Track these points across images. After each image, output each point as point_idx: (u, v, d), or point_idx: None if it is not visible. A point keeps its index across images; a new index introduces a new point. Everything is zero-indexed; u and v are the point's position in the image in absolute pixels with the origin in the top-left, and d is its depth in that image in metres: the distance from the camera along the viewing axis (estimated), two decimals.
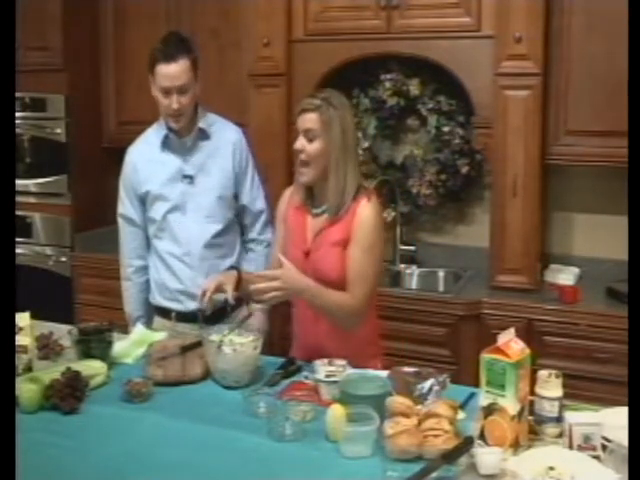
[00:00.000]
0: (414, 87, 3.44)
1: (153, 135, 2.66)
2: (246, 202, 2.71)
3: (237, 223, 2.75)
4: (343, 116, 2.19)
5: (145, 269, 2.73)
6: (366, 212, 2.19)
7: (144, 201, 2.66)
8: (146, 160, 2.64)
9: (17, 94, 3.70)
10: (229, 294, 2.35)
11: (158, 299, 2.71)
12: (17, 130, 3.85)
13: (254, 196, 2.73)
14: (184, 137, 2.61)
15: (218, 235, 2.64)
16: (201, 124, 2.62)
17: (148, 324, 2.72)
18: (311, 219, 2.29)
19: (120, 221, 2.75)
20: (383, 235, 2.27)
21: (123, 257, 2.77)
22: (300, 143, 2.20)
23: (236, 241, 2.73)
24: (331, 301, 2.17)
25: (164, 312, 2.71)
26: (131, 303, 2.76)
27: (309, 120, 2.18)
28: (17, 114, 3.83)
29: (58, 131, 3.85)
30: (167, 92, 2.48)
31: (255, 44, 3.44)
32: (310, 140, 2.19)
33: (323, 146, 2.18)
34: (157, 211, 2.63)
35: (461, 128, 3.43)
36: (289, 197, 2.39)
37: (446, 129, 3.45)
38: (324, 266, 2.21)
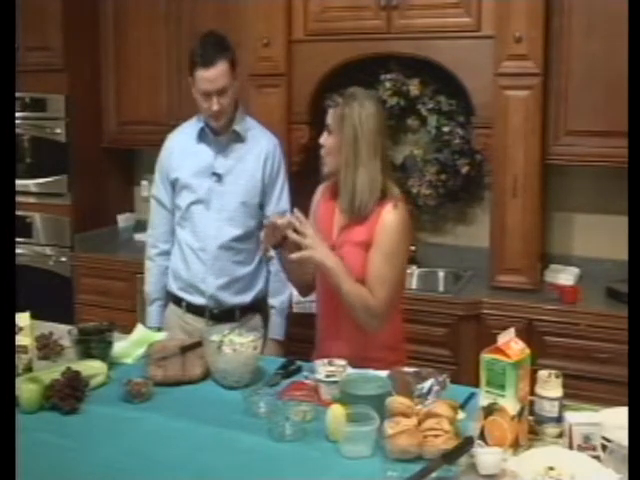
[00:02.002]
0: (414, 87, 3.44)
1: (191, 127, 2.69)
2: (270, 214, 2.63)
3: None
4: (360, 116, 2.17)
5: (169, 254, 2.75)
6: (390, 217, 2.18)
7: (174, 187, 2.69)
8: (182, 148, 2.68)
9: (17, 94, 3.70)
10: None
11: (172, 287, 2.73)
12: (17, 130, 3.85)
13: (280, 210, 2.65)
14: (219, 135, 2.63)
15: (236, 240, 2.63)
16: (237, 126, 2.63)
17: (165, 308, 2.75)
18: (338, 214, 2.29)
19: (152, 202, 2.78)
20: (408, 242, 2.27)
21: (150, 237, 2.80)
22: (322, 137, 2.26)
23: (256, 251, 2.70)
24: (355, 291, 2.15)
25: (177, 300, 2.72)
26: (150, 284, 2.79)
27: (329, 115, 2.24)
28: (17, 114, 3.83)
29: (58, 131, 3.85)
30: (207, 95, 2.52)
31: (255, 44, 3.44)
32: (329, 134, 2.23)
33: (337, 141, 2.20)
34: (183, 200, 2.66)
35: (461, 128, 3.43)
36: (322, 190, 2.40)
37: (446, 129, 3.45)
38: (345, 263, 2.20)
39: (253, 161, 2.64)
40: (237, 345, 2.12)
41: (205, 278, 2.63)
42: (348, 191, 2.20)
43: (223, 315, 2.64)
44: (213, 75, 2.49)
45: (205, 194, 2.61)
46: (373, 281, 2.17)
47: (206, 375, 2.15)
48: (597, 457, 1.65)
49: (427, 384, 1.88)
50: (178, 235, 2.70)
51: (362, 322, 2.19)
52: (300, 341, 2.69)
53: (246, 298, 2.69)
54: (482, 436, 1.71)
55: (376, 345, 2.24)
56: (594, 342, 2.89)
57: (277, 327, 2.74)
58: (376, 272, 2.17)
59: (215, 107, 2.52)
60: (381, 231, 2.18)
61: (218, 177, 2.61)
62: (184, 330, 2.64)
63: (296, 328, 3.00)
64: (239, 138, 2.64)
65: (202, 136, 2.65)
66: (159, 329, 2.64)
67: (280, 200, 2.70)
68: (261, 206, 2.68)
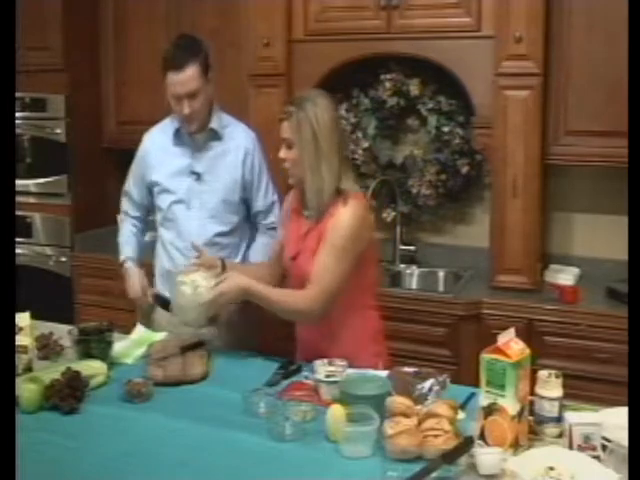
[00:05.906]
0: (414, 87, 3.44)
1: (168, 126, 2.70)
2: (261, 208, 2.72)
3: (247, 228, 2.75)
4: (316, 118, 2.16)
5: (142, 221, 2.83)
6: (340, 215, 2.18)
7: (150, 188, 2.71)
8: (158, 148, 2.70)
9: (17, 94, 3.70)
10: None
11: (161, 288, 2.73)
12: (17, 130, 3.85)
13: (268, 203, 2.73)
14: (195, 134, 2.64)
15: (220, 235, 2.65)
16: (213, 124, 2.64)
17: (138, 265, 2.77)
18: (304, 221, 2.30)
19: (123, 197, 2.85)
20: (364, 238, 2.22)
21: (124, 203, 2.86)
22: (282, 152, 2.24)
23: (241, 245, 2.73)
24: (279, 297, 2.21)
25: (165, 304, 2.71)
26: (122, 235, 2.82)
27: (284, 129, 2.22)
28: (17, 114, 3.83)
29: (58, 131, 3.85)
30: (178, 98, 2.52)
31: (255, 44, 3.44)
32: (289, 148, 2.22)
33: (298, 152, 2.19)
34: (163, 201, 2.68)
35: (461, 128, 3.43)
36: (291, 200, 2.40)
37: (446, 129, 3.45)
38: (306, 271, 2.21)
39: (232, 158, 2.66)
40: (200, 287, 2.20)
41: None
42: (315, 196, 2.20)
43: None
44: (183, 79, 2.49)
45: (185, 194, 2.64)
46: (315, 271, 2.18)
47: (206, 375, 2.15)
48: (597, 457, 1.65)
49: (427, 384, 1.88)
50: (163, 236, 2.72)
51: (299, 319, 2.26)
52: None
53: None
54: (482, 436, 1.71)
55: (351, 341, 2.24)
56: (594, 342, 2.89)
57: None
58: (320, 263, 2.18)
59: (186, 111, 2.53)
60: (332, 228, 2.18)
61: (197, 176, 2.63)
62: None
63: (294, 328, 2.99)
64: (216, 136, 2.65)
65: (178, 136, 2.66)
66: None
67: (267, 194, 2.73)
68: (243, 201, 2.70)
